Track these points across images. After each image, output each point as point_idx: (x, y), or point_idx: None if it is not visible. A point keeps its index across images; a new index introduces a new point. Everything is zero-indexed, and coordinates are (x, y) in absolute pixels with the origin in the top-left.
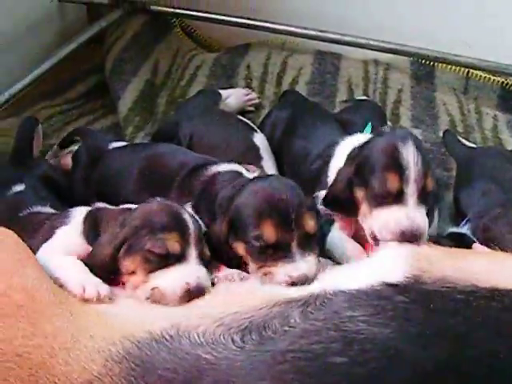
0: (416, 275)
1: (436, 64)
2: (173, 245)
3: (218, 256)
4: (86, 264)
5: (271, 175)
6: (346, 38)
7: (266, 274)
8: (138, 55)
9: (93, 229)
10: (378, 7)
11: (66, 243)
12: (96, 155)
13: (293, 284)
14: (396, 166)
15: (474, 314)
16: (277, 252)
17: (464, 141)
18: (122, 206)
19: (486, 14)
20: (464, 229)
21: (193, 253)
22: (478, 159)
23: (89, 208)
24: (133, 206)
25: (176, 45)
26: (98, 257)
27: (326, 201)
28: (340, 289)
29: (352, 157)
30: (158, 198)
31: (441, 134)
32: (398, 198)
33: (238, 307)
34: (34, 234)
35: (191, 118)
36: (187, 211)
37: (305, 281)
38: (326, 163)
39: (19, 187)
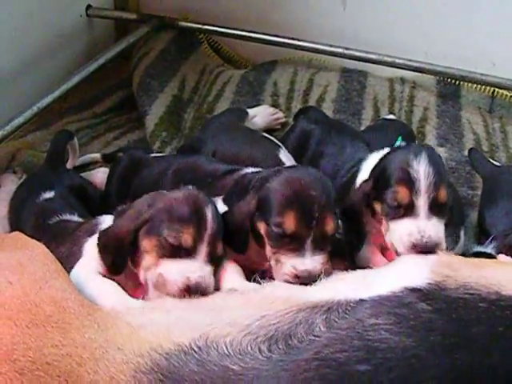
0: (438, 281)
1: (461, 83)
2: (186, 238)
3: (233, 242)
4: (103, 238)
5: (309, 168)
6: (372, 56)
7: (277, 262)
8: (165, 71)
9: None
10: (404, 26)
11: (97, 253)
12: (136, 162)
13: (296, 277)
14: (406, 178)
15: (497, 322)
16: (292, 243)
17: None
18: (154, 192)
19: (511, 32)
20: (489, 248)
21: (203, 250)
22: (504, 177)
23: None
24: (164, 192)
25: (203, 61)
26: (117, 232)
27: (346, 213)
28: (362, 296)
29: (372, 171)
30: (191, 187)
31: (466, 153)
32: (409, 210)
33: (264, 311)
34: (63, 242)
35: (216, 134)
36: (213, 206)
37: (308, 277)
38: (354, 178)
39: (49, 194)
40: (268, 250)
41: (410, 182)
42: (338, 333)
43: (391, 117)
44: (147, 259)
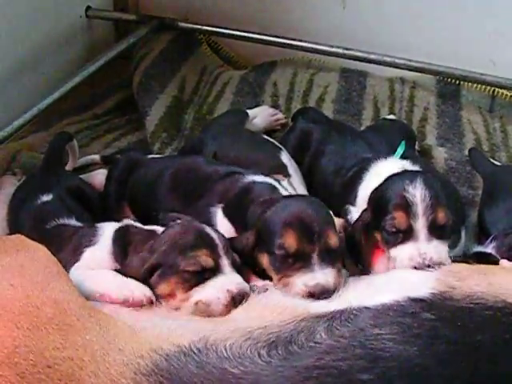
0: (443, 291)
1: (462, 82)
2: (205, 260)
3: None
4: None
5: (302, 195)
6: (372, 56)
7: (285, 285)
8: (165, 71)
9: (122, 248)
10: (404, 25)
11: (96, 262)
12: (134, 163)
13: (310, 295)
14: (403, 203)
15: (503, 330)
16: (297, 262)
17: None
18: (148, 227)
19: None
20: (489, 247)
21: (225, 263)
22: (504, 177)
23: (117, 224)
24: (159, 229)
25: (203, 62)
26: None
27: (347, 239)
28: (365, 304)
29: (370, 200)
30: (179, 220)
31: (466, 153)
32: (409, 235)
33: (266, 321)
34: (61, 247)
35: (216, 136)
36: (208, 227)
37: (322, 292)
38: (357, 181)
39: (47, 197)
40: (275, 279)
41: (406, 207)
42: (340, 340)
43: (391, 117)
44: (172, 301)
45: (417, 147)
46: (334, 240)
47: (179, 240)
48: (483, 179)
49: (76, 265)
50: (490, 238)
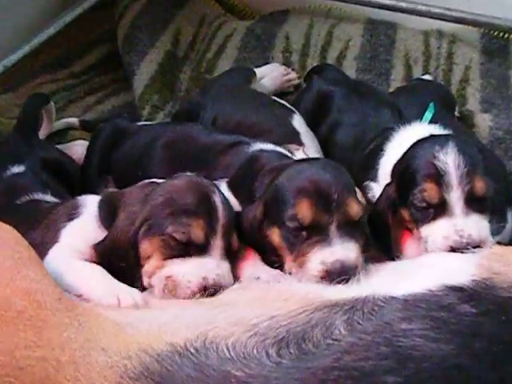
0: (486, 278)
1: (510, 36)
2: (197, 233)
3: (247, 240)
4: (102, 253)
5: (318, 158)
6: (403, 5)
7: (301, 267)
8: (156, 22)
9: (110, 212)
10: None
11: (81, 237)
12: (120, 132)
13: (329, 275)
14: (433, 173)
15: None
16: (313, 235)
17: None
18: (144, 181)
19: None
20: None
21: (218, 244)
22: None
23: (100, 196)
24: (158, 181)
25: (201, 10)
26: (115, 242)
27: (370, 219)
28: (392, 294)
29: (394, 172)
30: (189, 173)
31: None
32: (442, 209)
33: (274, 311)
34: (33, 227)
35: (217, 98)
36: (220, 192)
37: (342, 270)
38: (378, 153)
39: (18, 169)
40: (288, 260)
41: (437, 176)
42: (362, 337)
43: (426, 77)
44: (150, 263)
45: (456, 113)
46: (355, 209)
47: (178, 197)
48: None
49: (56, 246)
50: None
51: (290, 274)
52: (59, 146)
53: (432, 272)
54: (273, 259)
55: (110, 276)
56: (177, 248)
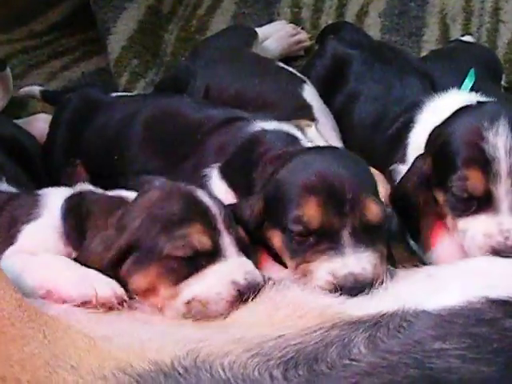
0: None
1: None
2: (200, 239)
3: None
4: None
5: (332, 147)
6: None
7: (305, 275)
8: None
9: (76, 225)
10: None
11: (39, 245)
12: (91, 104)
13: (339, 289)
14: (479, 158)
15: None
16: (321, 242)
17: None
18: (114, 192)
19: None
20: None
21: (228, 242)
22: None
23: (67, 190)
24: (128, 195)
25: None
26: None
27: (394, 199)
28: (424, 307)
29: (431, 142)
30: (158, 181)
31: None
32: (485, 202)
33: (283, 329)
34: None
35: (210, 64)
36: (202, 191)
37: (355, 286)
38: (406, 129)
39: None
40: (290, 265)
41: (484, 163)
42: (387, 357)
43: (467, 38)
44: (154, 298)
45: (503, 82)
46: (375, 211)
47: (160, 210)
48: None
49: (10, 249)
50: None
51: None
52: (17, 121)
53: (472, 281)
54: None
55: (78, 265)
56: (184, 267)
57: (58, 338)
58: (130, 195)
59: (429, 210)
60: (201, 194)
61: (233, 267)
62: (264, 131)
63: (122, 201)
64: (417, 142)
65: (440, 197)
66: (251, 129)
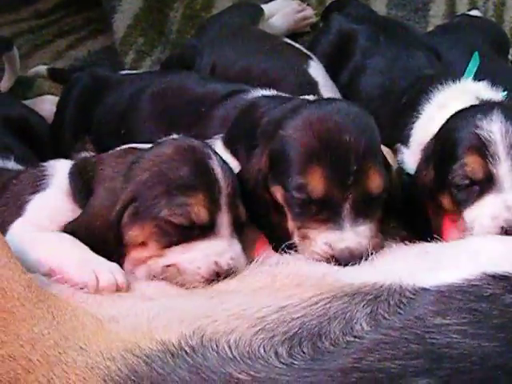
0: None
1: None
2: (199, 212)
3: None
4: (74, 235)
5: (339, 100)
6: None
7: (304, 239)
8: None
9: (84, 185)
10: None
11: (49, 212)
12: (99, 84)
13: (332, 259)
14: (476, 144)
15: None
16: (322, 212)
17: None
18: (124, 146)
19: None
20: None
21: (225, 221)
22: None
23: (72, 161)
24: (139, 146)
25: None
26: (90, 224)
27: (406, 207)
28: (423, 284)
29: (428, 158)
30: (175, 135)
31: None
32: (487, 185)
33: (283, 300)
34: None
35: (217, 41)
36: (216, 155)
37: (349, 258)
38: (412, 113)
39: None
40: (291, 223)
41: (481, 148)
42: (389, 333)
43: (474, 13)
44: (142, 252)
45: (510, 56)
46: (376, 183)
47: (168, 170)
48: None
49: (18, 221)
50: None
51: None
52: (27, 102)
53: (471, 258)
54: (280, 235)
55: (84, 246)
56: (176, 234)
57: (67, 319)
58: (142, 146)
59: (437, 214)
60: (213, 162)
61: (221, 249)
62: (264, 96)
63: (131, 151)
64: (419, 134)
65: (444, 199)
66: (251, 96)
